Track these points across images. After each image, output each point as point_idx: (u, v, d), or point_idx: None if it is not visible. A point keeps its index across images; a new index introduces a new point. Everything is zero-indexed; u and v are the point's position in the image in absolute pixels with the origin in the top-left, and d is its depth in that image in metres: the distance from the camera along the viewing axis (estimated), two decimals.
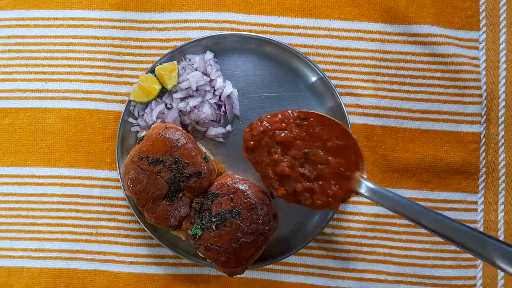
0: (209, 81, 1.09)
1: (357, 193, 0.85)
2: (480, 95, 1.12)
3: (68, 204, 1.13)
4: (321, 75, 1.08)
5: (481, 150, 1.12)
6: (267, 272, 1.12)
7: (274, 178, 0.94)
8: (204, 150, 1.04)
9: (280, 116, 0.95)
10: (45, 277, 1.13)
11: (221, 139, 1.12)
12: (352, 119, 1.12)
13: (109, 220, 1.13)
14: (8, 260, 1.13)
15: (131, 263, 1.13)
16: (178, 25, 1.15)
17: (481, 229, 1.11)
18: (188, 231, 0.97)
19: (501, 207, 1.11)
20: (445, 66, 1.12)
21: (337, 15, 1.14)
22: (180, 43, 1.13)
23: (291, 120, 0.94)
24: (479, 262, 1.10)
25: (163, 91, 1.10)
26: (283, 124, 0.95)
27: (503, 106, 1.13)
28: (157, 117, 1.08)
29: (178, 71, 1.08)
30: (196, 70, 1.09)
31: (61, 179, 1.14)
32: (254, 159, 0.96)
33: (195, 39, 1.10)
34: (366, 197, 0.84)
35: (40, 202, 1.14)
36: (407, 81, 1.13)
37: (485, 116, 1.12)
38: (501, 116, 1.13)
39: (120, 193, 1.14)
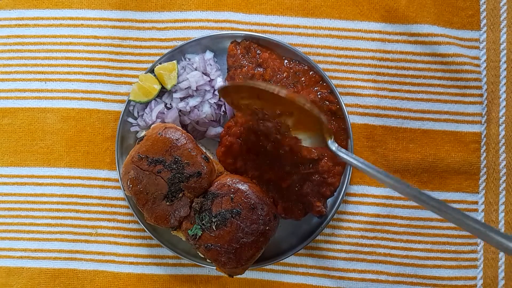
0: (209, 81, 1.09)
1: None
2: (481, 95, 1.12)
3: (67, 204, 1.13)
4: (322, 75, 1.08)
5: (481, 150, 1.12)
6: (267, 273, 1.12)
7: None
8: (204, 150, 1.04)
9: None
10: (45, 277, 1.12)
11: None
12: (353, 119, 1.12)
13: (108, 220, 1.13)
14: (7, 261, 1.13)
15: (131, 263, 1.12)
16: (177, 25, 1.15)
17: None
18: (188, 231, 0.97)
19: (502, 207, 1.11)
20: (445, 66, 1.12)
21: (337, 14, 1.14)
22: (179, 43, 1.13)
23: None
24: (479, 262, 1.10)
25: (163, 91, 1.10)
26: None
27: (504, 106, 1.12)
28: (157, 117, 1.08)
29: (177, 70, 1.08)
30: (196, 69, 1.09)
31: (61, 179, 1.14)
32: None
33: (194, 39, 1.09)
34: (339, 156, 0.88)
35: (39, 202, 1.14)
36: (407, 81, 1.12)
37: (485, 116, 1.12)
38: (502, 116, 1.12)
39: (119, 193, 1.13)
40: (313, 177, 1.04)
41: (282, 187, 1.03)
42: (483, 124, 1.12)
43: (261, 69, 1.07)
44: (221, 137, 1.08)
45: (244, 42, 1.09)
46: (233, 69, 1.09)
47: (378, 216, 1.11)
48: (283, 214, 1.04)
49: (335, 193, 1.07)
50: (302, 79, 1.07)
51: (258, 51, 1.08)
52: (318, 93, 1.06)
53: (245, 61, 1.08)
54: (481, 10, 1.14)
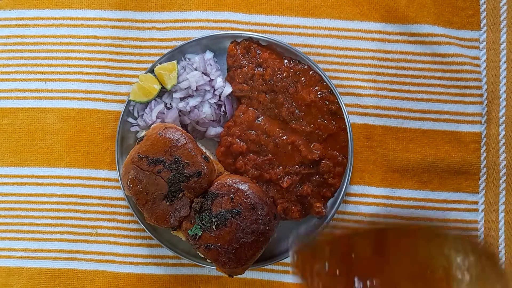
0: (209, 81, 1.09)
1: None
2: (481, 95, 1.12)
3: (67, 204, 1.13)
4: (321, 75, 1.08)
5: (481, 150, 1.12)
6: (267, 273, 1.12)
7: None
8: (204, 150, 1.04)
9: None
10: (45, 277, 1.12)
11: None
12: (353, 119, 1.12)
13: (108, 220, 1.13)
14: (7, 261, 1.13)
15: (131, 263, 1.12)
16: (177, 25, 1.15)
17: (482, 229, 1.11)
18: (188, 231, 0.97)
19: (502, 207, 1.11)
20: (445, 66, 1.12)
21: (337, 14, 1.14)
22: (179, 43, 1.13)
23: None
24: None
25: (163, 91, 1.10)
26: None
27: (504, 106, 1.12)
28: (157, 117, 1.08)
29: (177, 70, 1.08)
30: (196, 69, 1.09)
31: (61, 179, 1.14)
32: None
33: (194, 39, 1.09)
34: None
35: (39, 202, 1.14)
36: (407, 81, 1.12)
37: (485, 116, 1.12)
38: (502, 116, 1.12)
39: (119, 193, 1.13)
40: (314, 178, 1.04)
41: (282, 187, 1.03)
42: (483, 124, 1.12)
43: (261, 69, 1.07)
44: (221, 137, 1.08)
45: (244, 42, 1.09)
46: (233, 69, 1.09)
47: (378, 216, 1.11)
48: (283, 214, 1.04)
49: (335, 194, 1.07)
50: (302, 78, 1.07)
51: (258, 51, 1.08)
52: (319, 93, 1.06)
53: (245, 61, 1.08)
54: (481, 10, 1.14)
